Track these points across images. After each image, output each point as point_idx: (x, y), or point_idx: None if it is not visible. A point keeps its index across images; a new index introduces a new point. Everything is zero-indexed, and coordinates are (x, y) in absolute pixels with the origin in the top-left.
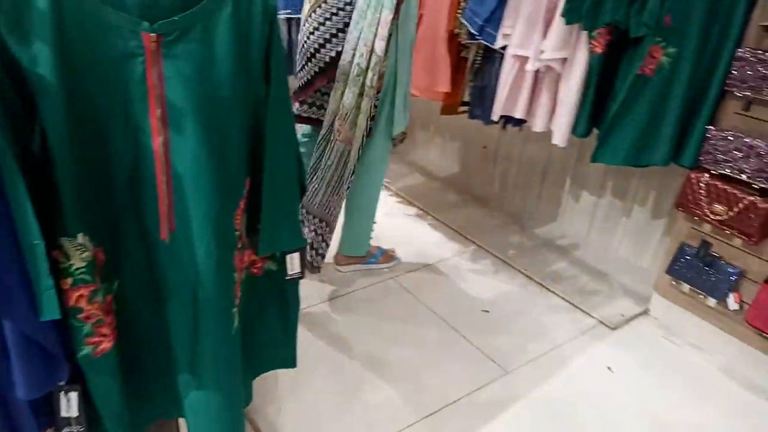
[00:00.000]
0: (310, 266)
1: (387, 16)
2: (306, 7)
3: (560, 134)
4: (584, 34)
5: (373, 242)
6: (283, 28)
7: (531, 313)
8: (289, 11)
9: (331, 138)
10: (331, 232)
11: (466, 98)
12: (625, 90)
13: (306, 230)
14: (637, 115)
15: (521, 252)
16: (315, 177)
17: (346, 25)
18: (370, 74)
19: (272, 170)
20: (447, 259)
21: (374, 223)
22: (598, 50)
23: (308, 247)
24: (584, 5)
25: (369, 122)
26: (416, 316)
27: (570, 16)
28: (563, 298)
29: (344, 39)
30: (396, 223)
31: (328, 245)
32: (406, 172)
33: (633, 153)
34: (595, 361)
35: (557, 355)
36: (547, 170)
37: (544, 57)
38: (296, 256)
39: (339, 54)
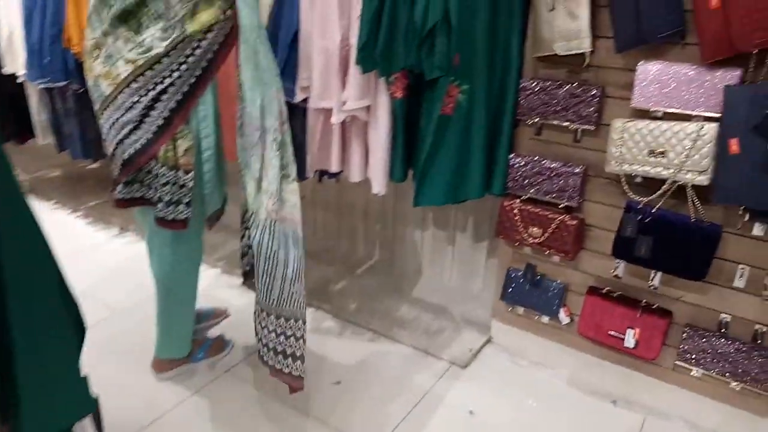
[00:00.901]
0: (294, 379)
1: None
2: (97, 73)
3: (378, 182)
4: (383, 80)
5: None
6: (43, 99)
7: (384, 370)
8: (47, 79)
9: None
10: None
11: None
12: (431, 132)
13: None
14: (447, 154)
15: (361, 304)
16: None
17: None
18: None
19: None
20: None
21: (195, 313)
22: (399, 95)
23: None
24: (377, 52)
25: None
26: (258, 412)
27: (365, 64)
28: (412, 346)
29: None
30: (221, 299)
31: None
32: (222, 239)
33: (450, 191)
34: (456, 409)
35: (419, 413)
36: (368, 213)
37: (347, 107)
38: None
39: None
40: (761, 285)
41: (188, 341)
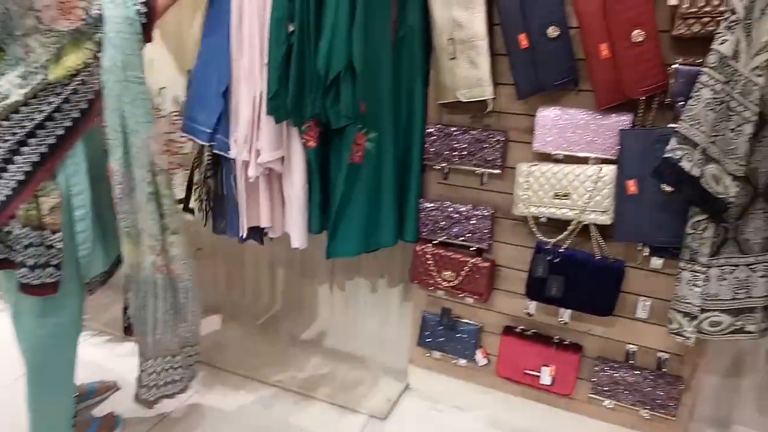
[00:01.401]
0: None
1: None
2: None
3: (297, 236)
4: (295, 129)
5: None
6: None
7: (298, 431)
8: None
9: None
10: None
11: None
12: (341, 182)
13: None
14: (358, 203)
15: (269, 360)
16: None
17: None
18: None
19: None
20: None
21: (75, 391)
22: (312, 144)
23: None
24: (288, 101)
25: None
26: None
27: (278, 113)
28: (328, 402)
29: None
30: (108, 370)
31: None
32: (111, 299)
33: (363, 241)
34: None
35: None
36: (274, 264)
37: (261, 160)
38: None
39: None
40: (662, 315)
41: (68, 426)
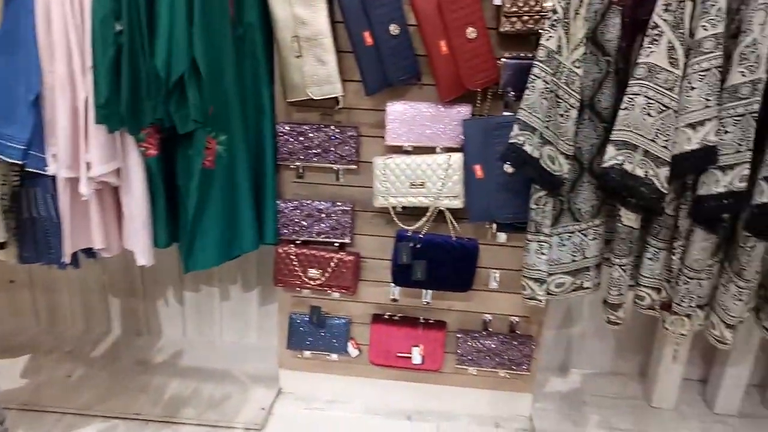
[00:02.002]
0: None
1: None
2: None
3: (143, 253)
4: (131, 138)
5: None
6: None
7: None
8: None
9: None
10: None
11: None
12: (195, 189)
13: None
14: (215, 210)
15: (115, 392)
16: None
17: None
18: None
19: None
20: None
21: None
22: (153, 152)
23: None
24: (122, 108)
25: None
26: None
27: (110, 122)
28: (196, 424)
29: None
30: None
31: None
32: None
33: (224, 249)
34: None
35: None
36: (111, 284)
37: (93, 174)
38: None
39: None
40: (509, 284)
41: None
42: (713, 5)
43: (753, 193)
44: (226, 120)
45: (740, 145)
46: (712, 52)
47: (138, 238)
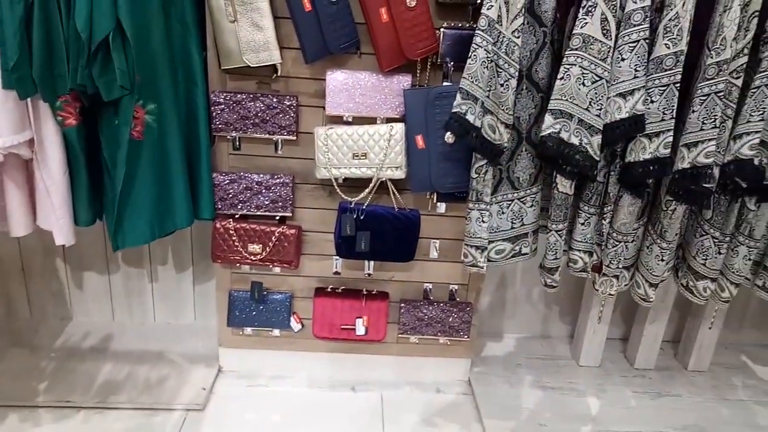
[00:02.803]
0: None
1: None
2: None
3: (62, 231)
4: (46, 105)
5: None
6: None
7: None
8: None
9: None
10: None
11: None
12: (122, 162)
13: None
14: (145, 183)
15: (41, 380)
16: None
17: None
18: None
19: None
20: None
21: None
22: (72, 122)
23: None
24: (35, 72)
25: None
26: None
27: (23, 88)
28: (132, 408)
29: None
30: None
31: None
32: None
33: (156, 224)
34: None
35: None
36: (30, 267)
37: (2, 145)
38: None
39: None
40: (449, 253)
41: None
42: None
43: (675, 160)
44: (154, 88)
45: (665, 114)
46: (640, 25)
47: (57, 217)
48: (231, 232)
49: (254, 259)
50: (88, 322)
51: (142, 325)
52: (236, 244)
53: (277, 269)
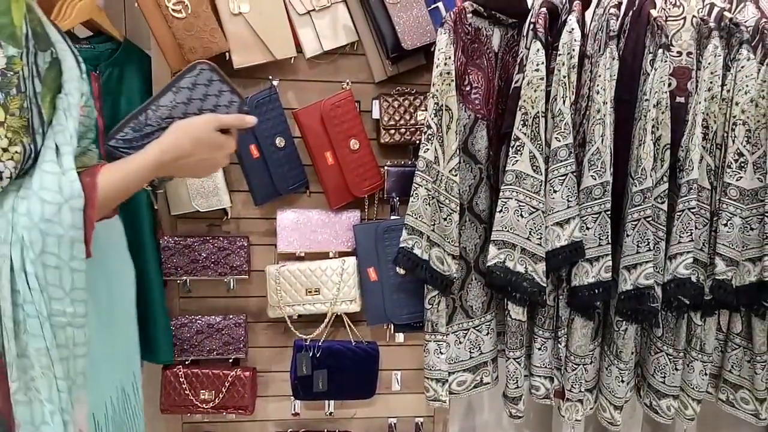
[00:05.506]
0: None
1: None
2: None
3: None
4: None
5: None
6: None
7: None
8: None
9: None
10: None
11: None
12: None
13: None
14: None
15: None
16: None
17: None
18: None
19: None
20: None
21: None
22: None
23: None
24: None
25: None
26: None
27: None
28: None
29: None
30: None
31: None
32: None
33: None
34: None
35: None
36: None
37: None
38: None
39: None
40: (411, 383)
41: None
42: (561, 120)
43: (618, 281)
44: None
45: (600, 239)
46: (566, 159)
47: None
48: (181, 379)
49: (206, 406)
50: None
51: None
52: (187, 391)
53: (232, 416)
